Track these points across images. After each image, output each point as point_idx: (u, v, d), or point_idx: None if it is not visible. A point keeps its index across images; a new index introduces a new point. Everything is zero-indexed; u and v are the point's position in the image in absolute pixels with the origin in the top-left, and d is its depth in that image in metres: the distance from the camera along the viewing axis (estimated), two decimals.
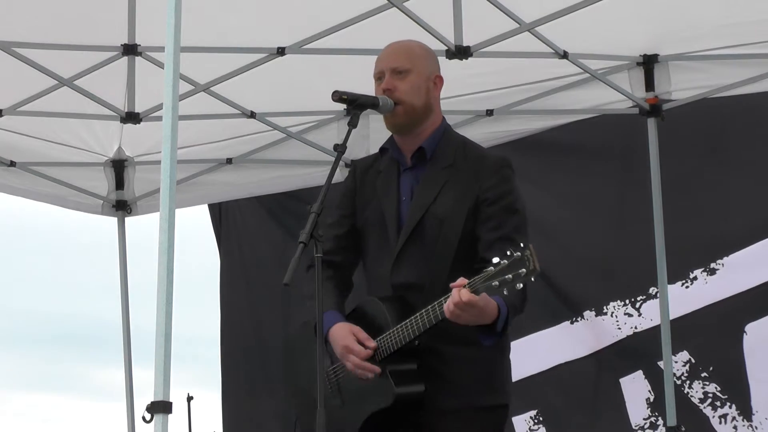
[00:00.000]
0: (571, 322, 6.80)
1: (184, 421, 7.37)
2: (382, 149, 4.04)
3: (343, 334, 3.82)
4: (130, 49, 5.93)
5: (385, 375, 3.77)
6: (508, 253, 3.43)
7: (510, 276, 3.42)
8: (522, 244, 3.42)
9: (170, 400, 3.30)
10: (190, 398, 7.42)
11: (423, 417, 3.81)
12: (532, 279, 3.41)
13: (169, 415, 3.29)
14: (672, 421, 6.18)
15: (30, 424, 15.94)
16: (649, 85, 6.26)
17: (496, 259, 3.45)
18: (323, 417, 3.47)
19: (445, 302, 3.57)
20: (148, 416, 3.30)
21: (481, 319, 3.58)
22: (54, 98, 6.27)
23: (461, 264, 3.75)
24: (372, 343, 3.80)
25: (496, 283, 3.44)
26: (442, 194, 3.87)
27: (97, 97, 6.30)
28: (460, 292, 3.49)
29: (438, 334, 3.72)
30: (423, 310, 3.68)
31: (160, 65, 5.61)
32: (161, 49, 3.66)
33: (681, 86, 6.24)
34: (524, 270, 3.40)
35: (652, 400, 6.63)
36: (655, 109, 6.28)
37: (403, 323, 3.74)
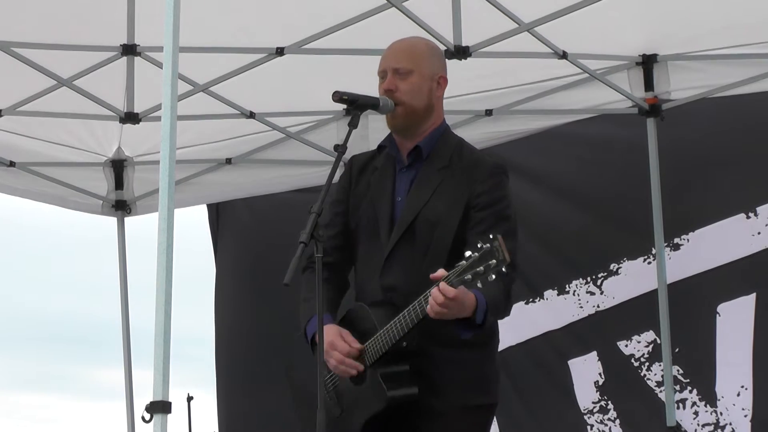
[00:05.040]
0: (526, 303, 6.72)
1: (184, 421, 7.40)
2: (380, 146, 4.02)
3: (329, 332, 3.78)
4: (130, 50, 5.93)
5: (377, 379, 3.75)
6: (479, 245, 3.43)
7: (481, 268, 3.42)
8: (492, 236, 3.41)
9: (170, 400, 3.31)
10: (190, 398, 7.44)
11: (412, 419, 3.80)
12: (503, 269, 3.40)
13: (169, 415, 3.30)
14: (672, 420, 6.16)
15: (30, 424, 15.98)
16: (648, 85, 6.26)
17: (468, 253, 3.45)
18: (323, 417, 3.46)
19: (425, 300, 3.56)
20: (147, 416, 3.30)
21: (461, 312, 3.57)
22: (53, 98, 6.27)
23: (452, 268, 3.68)
24: (357, 344, 3.79)
25: (469, 276, 3.44)
26: (435, 197, 3.85)
27: (97, 98, 6.30)
28: (442, 290, 3.48)
29: (429, 336, 3.70)
30: (405, 311, 3.66)
31: (160, 65, 5.60)
32: (161, 49, 3.66)
33: (680, 86, 6.24)
34: (494, 261, 3.39)
35: (601, 383, 6.54)
36: (654, 109, 6.28)
37: (388, 325, 3.71)
